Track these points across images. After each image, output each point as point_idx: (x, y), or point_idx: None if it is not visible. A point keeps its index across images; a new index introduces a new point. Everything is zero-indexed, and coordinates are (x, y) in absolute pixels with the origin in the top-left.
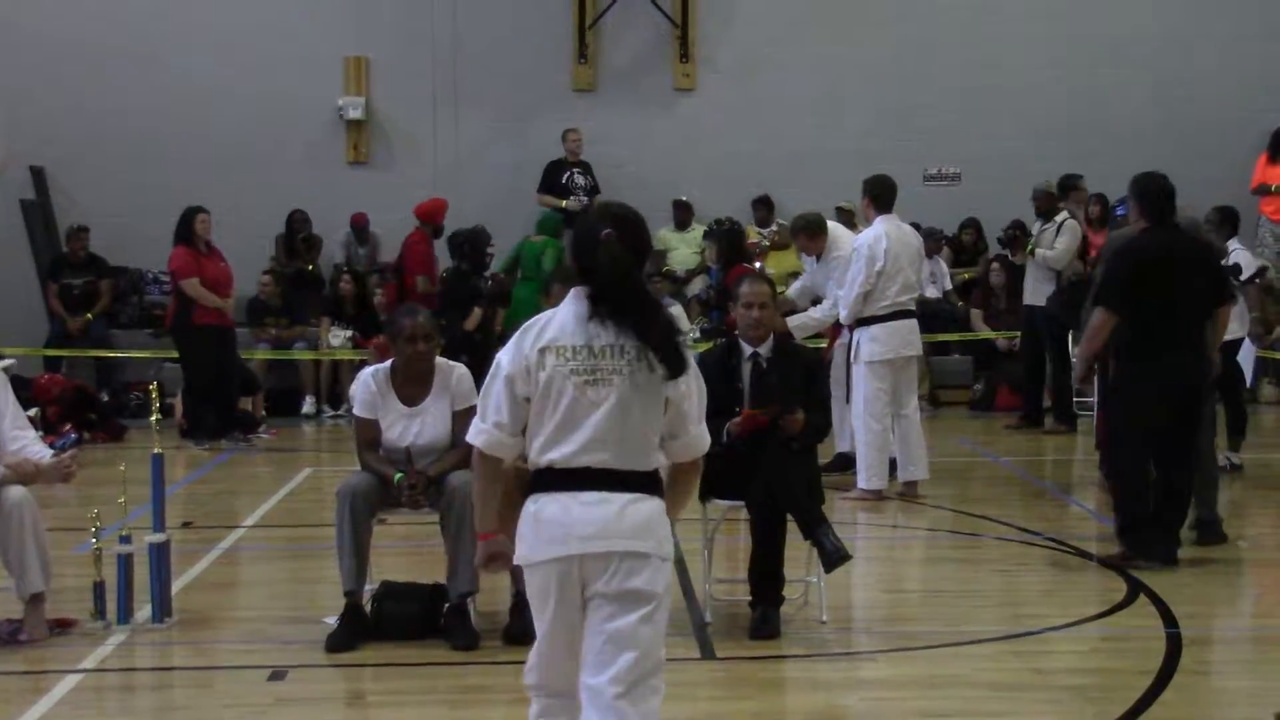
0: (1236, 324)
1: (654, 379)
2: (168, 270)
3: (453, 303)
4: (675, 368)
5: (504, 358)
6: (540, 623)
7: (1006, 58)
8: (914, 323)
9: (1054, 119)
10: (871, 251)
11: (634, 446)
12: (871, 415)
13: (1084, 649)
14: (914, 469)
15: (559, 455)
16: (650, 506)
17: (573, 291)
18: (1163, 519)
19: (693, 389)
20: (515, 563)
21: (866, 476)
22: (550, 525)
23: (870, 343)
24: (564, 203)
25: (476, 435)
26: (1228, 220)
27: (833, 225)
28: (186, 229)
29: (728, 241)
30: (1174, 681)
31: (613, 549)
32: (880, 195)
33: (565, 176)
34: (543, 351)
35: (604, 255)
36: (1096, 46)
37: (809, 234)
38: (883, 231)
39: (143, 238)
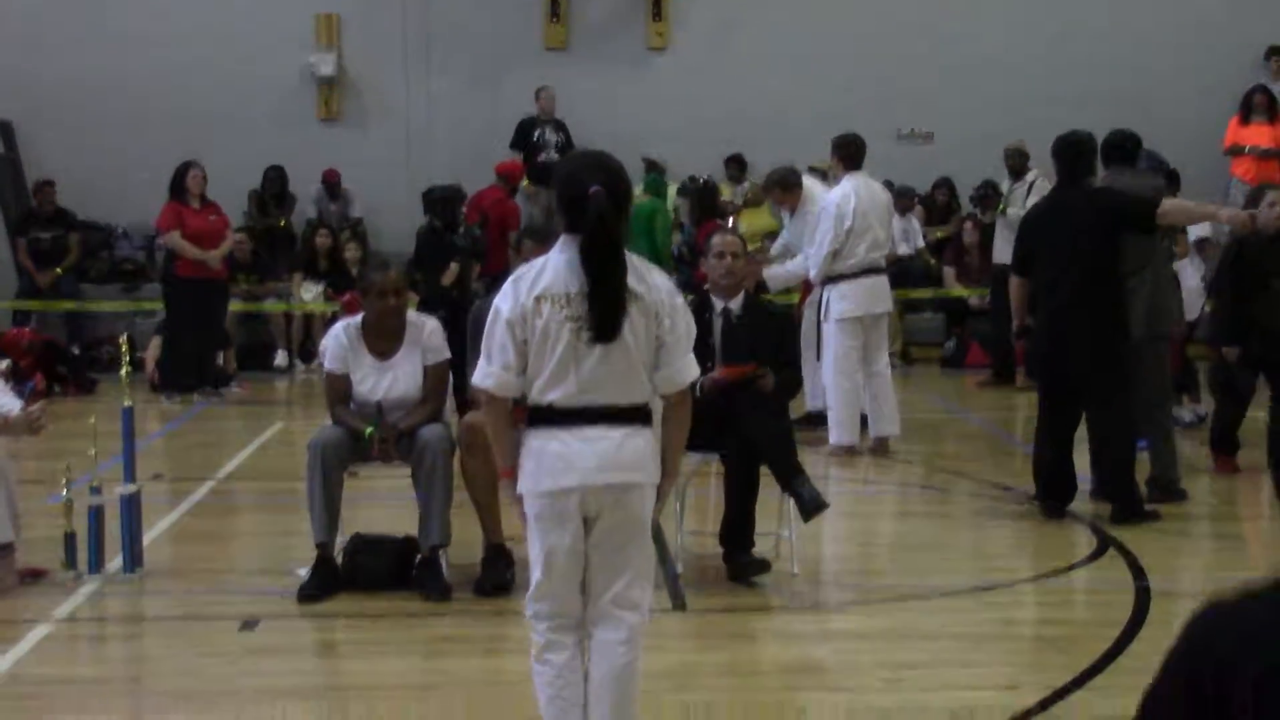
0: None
1: (644, 320)
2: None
3: (428, 259)
4: (603, 335)
5: (502, 304)
6: (539, 551)
7: (980, 17)
8: (884, 279)
9: (1027, 79)
10: (840, 210)
11: (628, 383)
12: (842, 372)
13: (1053, 601)
14: (885, 425)
15: (558, 395)
16: (644, 439)
17: (562, 239)
18: (1104, 475)
19: (679, 324)
20: (518, 493)
21: (838, 433)
22: (552, 459)
23: (840, 300)
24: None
25: (485, 378)
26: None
27: (809, 181)
28: (178, 183)
29: (700, 199)
30: (1141, 634)
31: (612, 480)
32: (849, 153)
33: (537, 134)
34: (538, 299)
35: (593, 212)
36: (1070, 7)
37: (783, 188)
38: (851, 189)
39: (113, 193)
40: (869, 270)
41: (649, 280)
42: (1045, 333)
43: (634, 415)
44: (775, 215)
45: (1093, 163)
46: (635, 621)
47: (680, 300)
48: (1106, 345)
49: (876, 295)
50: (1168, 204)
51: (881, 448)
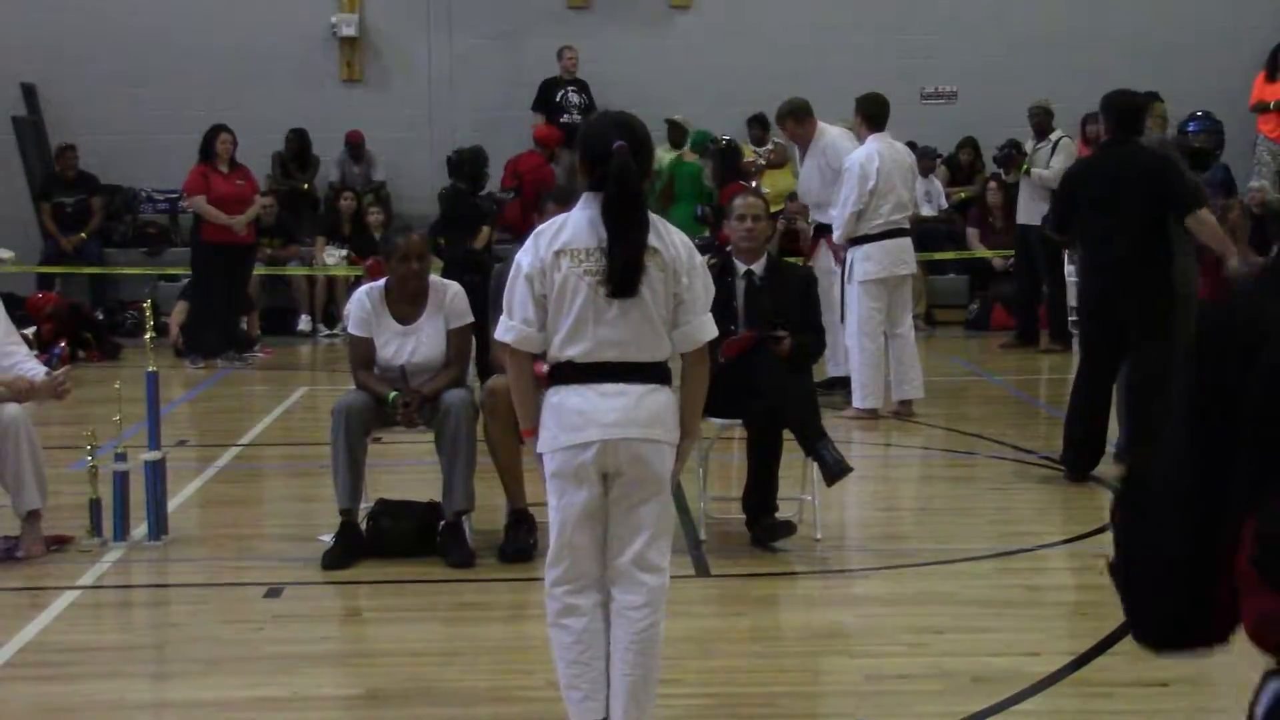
0: None
1: (662, 277)
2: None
3: (453, 223)
4: (621, 291)
5: (523, 259)
6: (557, 510)
7: None
8: (908, 241)
9: (1051, 37)
10: (864, 170)
11: (646, 339)
12: (866, 334)
13: (1076, 566)
14: (908, 388)
15: (577, 351)
16: (664, 397)
17: (584, 197)
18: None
19: (697, 283)
20: (537, 451)
21: (862, 395)
22: (572, 415)
23: (864, 261)
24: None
25: (506, 332)
26: None
27: (837, 132)
28: (207, 147)
29: (724, 160)
30: None
31: (631, 435)
32: (873, 113)
33: (560, 95)
34: (558, 254)
35: (615, 168)
36: None
37: (795, 118)
38: (875, 150)
39: (136, 156)
40: (892, 232)
41: (667, 238)
42: (1094, 286)
43: (653, 372)
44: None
45: (1143, 121)
46: (655, 584)
47: (699, 260)
48: (1154, 302)
49: (900, 257)
50: (1205, 214)
51: (905, 411)
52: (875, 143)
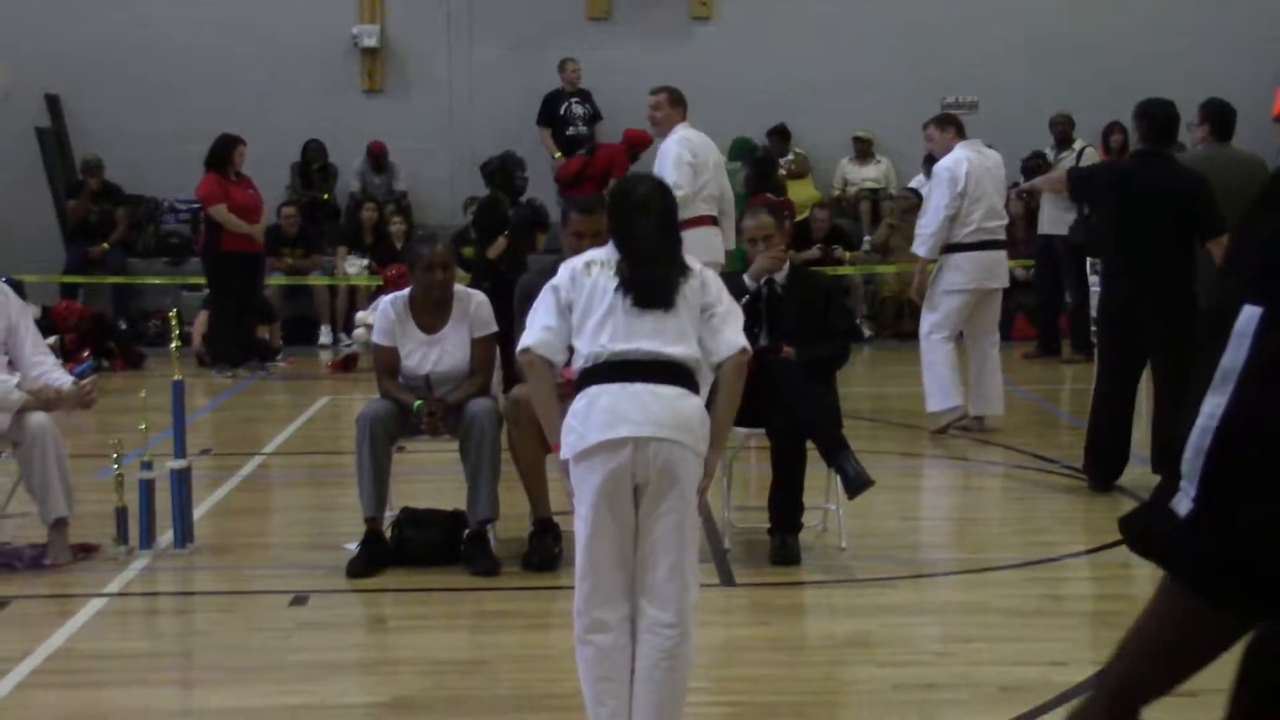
0: None
1: (692, 291)
2: (196, 197)
3: (483, 230)
4: (654, 303)
5: (555, 278)
6: (585, 523)
7: None
8: (1002, 254)
9: (1071, 47)
10: (952, 174)
11: (676, 341)
12: (939, 335)
13: (1101, 575)
14: (988, 404)
15: (606, 351)
16: (694, 404)
17: (611, 250)
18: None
19: (725, 297)
20: (563, 457)
21: (938, 399)
22: (601, 412)
23: (952, 271)
24: (557, 155)
25: (527, 337)
26: None
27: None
28: (220, 157)
29: (757, 169)
30: None
31: (661, 435)
32: (952, 121)
33: (563, 107)
34: (588, 264)
35: (644, 251)
36: None
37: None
38: (963, 155)
39: (159, 166)
40: (986, 243)
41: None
42: (1116, 295)
43: (684, 377)
44: (818, 186)
45: (1176, 132)
46: (686, 601)
47: (716, 278)
48: (1177, 313)
49: (992, 270)
50: (1226, 241)
51: (977, 426)
52: (963, 149)
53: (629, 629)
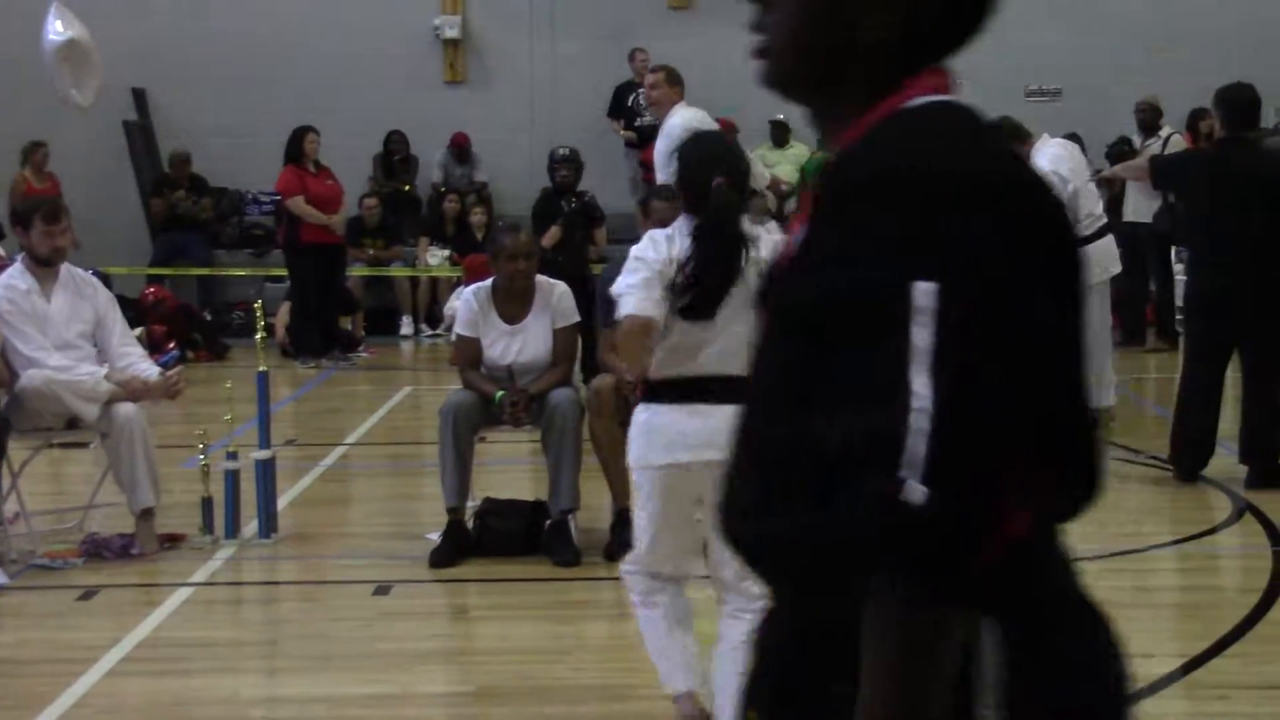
0: None
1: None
2: (275, 190)
3: (537, 219)
4: (703, 313)
5: (644, 254)
6: (644, 517)
7: None
8: (1111, 239)
9: (1155, 32)
10: (1059, 176)
11: (737, 358)
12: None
13: (1188, 567)
14: (1102, 394)
15: (670, 371)
16: None
17: (683, 217)
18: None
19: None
20: (628, 463)
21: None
22: (661, 433)
23: None
24: (620, 130)
25: (626, 303)
26: None
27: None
28: (295, 148)
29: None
30: None
31: (715, 458)
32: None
33: (631, 99)
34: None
35: (715, 202)
36: None
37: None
38: (1059, 152)
39: (243, 158)
40: (1098, 231)
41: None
42: (1205, 284)
43: (743, 394)
44: None
45: (1258, 116)
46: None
47: None
48: (1267, 302)
49: (1110, 256)
50: None
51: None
52: (1050, 148)
53: (684, 596)
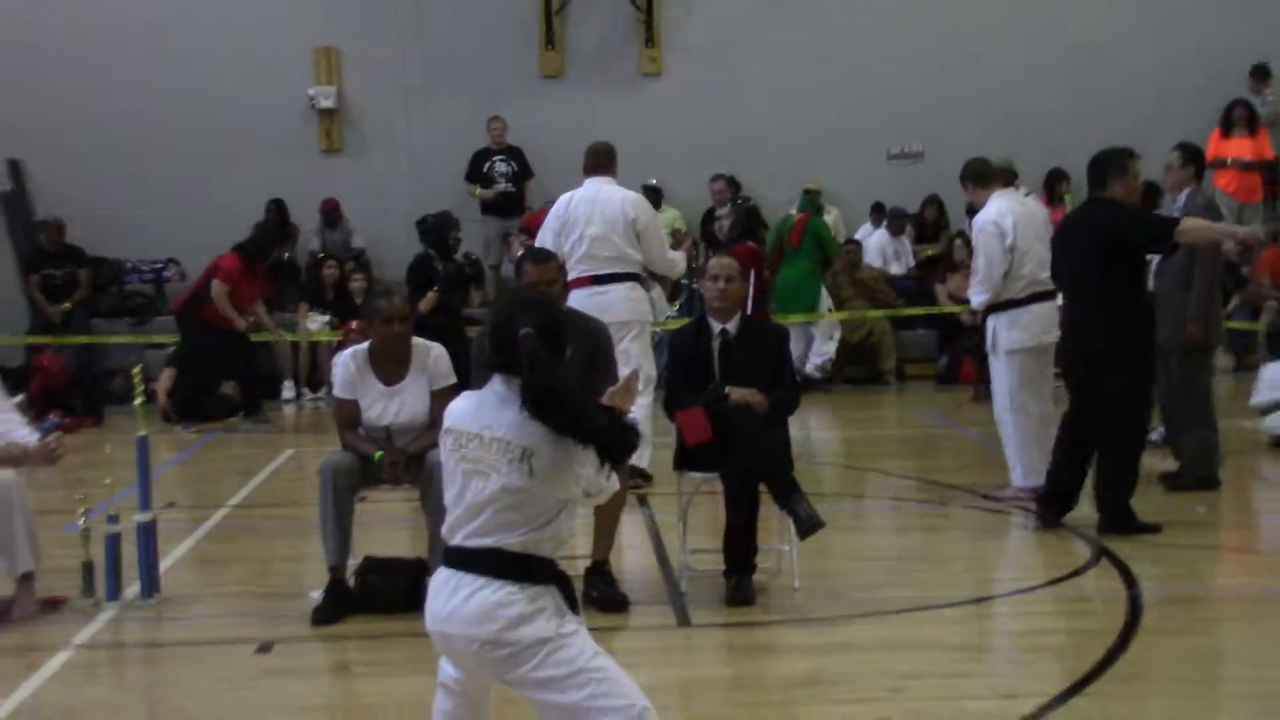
0: None
1: (533, 479)
2: (216, 264)
3: (414, 286)
4: (616, 455)
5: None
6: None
7: (968, 37)
8: (1054, 305)
9: (1014, 97)
10: (998, 227)
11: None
12: (1018, 409)
13: (1049, 611)
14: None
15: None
16: (497, 594)
17: (495, 376)
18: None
19: (585, 457)
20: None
21: (1022, 472)
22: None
23: (1010, 329)
24: (476, 191)
25: None
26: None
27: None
28: (261, 250)
29: (745, 217)
30: (1136, 640)
31: (453, 631)
32: (983, 172)
33: (487, 165)
34: (446, 430)
35: (524, 357)
36: (1056, 24)
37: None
38: (1005, 206)
39: (120, 227)
40: (1040, 295)
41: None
42: (1069, 342)
43: (501, 565)
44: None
45: (1106, 176)
46: None
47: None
48: (1125, 356)
49: (1048, 323)
50: (1187, 223)
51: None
52: (1002, 199)
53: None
